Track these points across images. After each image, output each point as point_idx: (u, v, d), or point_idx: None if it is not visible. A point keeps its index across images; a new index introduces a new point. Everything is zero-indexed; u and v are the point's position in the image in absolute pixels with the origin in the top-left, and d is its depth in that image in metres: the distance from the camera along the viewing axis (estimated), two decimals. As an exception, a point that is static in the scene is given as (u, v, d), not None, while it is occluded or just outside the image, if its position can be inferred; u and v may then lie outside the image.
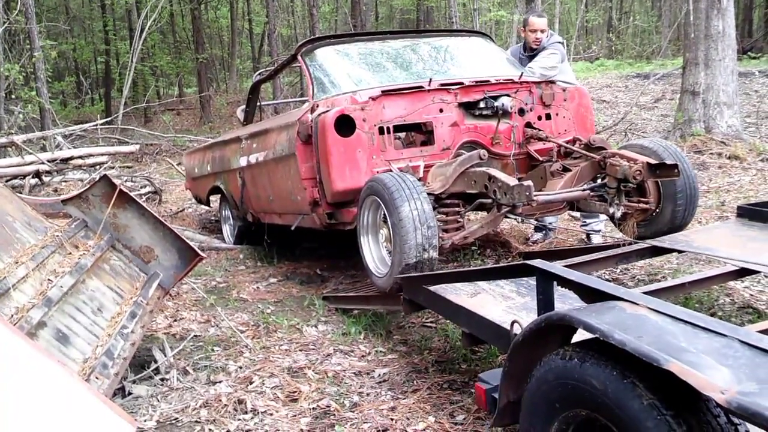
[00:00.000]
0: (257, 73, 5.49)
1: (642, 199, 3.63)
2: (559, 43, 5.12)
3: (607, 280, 4.26)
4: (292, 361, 3.53)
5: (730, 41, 7.93)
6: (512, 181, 3.21)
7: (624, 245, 3.60)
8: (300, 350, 3.69)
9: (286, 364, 3.50)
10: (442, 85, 3.94)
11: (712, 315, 3.62)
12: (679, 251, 3.52)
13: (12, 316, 2.46)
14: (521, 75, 4.20)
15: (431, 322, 4.00)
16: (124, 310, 3.15)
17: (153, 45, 19.76)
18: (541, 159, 3.97)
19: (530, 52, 5.12)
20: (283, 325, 4.08)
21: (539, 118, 4.12)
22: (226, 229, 6.13)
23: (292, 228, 4.44)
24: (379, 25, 24.41)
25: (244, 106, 5.53)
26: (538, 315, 2.10)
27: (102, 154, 8.56)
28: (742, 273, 3.12)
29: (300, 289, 4.91)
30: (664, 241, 3.49)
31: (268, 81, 5.48)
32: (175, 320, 4.29)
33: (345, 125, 3.70)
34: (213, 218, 7.68)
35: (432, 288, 2.94)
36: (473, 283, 3.07)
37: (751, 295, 3.92)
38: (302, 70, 4.36)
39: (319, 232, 4.78)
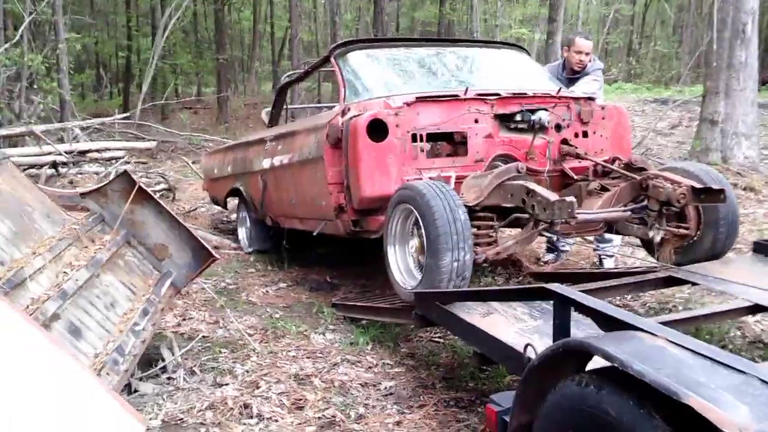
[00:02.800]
0: (286, 74, 5.46)
1: (682, 224, 3.49)
2: (601, 69, 5.10)
3: (618, 306, 4.24)
4: (299, 368, 3.53)
5: (752, 72, 7.91)
6: (553, 196, 3.13)
7: (641, 272, 3.58)
8: (307, 357, 3.69)
9: (293, 370, 3.50)
10: (479, 95, 3.86)
11: (723, 348, 3.59)
12: (694, 283, 3.49)
13: (27, 306, 2.48)
14: (560, 89, 4.15)
15: (439, 336, 3.98)
16: (136, 306, 3.17)
17: (174, 43, 19.92)
18: (575, 177, 3.89)
19: (571, 74, 5.07)
20: (291, 331, 4.08)
21: (576, 135, 4.03)
22: (243, 233, 6.11)
23: (315, 234, 4.38)
24: (401, 35, 24.50)
25: (269, 108, 5.52)
26: (554, 340, 2.09)
27: (119, 149, 8.61)
28: (756, 309, 3.09)
29: (309, 295, 4.91)
30: (678, 272, 3.47)
31: (298, 83, 5.44)
32: (184, 319, 4.30)
33: (377, 130, 3.61)
34: (225, 219, 7.70)
35: (446, 306, 2.93)
36: (486, 303, 3.05)
37: (762, 330, 3.88)
38: (335, 72, 4.28)
39: (331, 239, 4.77)
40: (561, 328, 2.10)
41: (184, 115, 17.88)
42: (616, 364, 1.58)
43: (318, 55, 22.74)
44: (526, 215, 3.34)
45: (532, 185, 3.27)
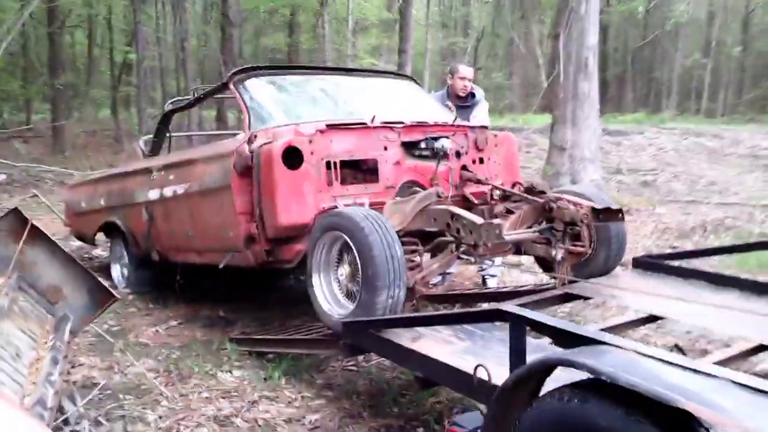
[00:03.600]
0: (170, 101, 5.15)
1: (578, 243, 3.68)
2: (483, 95, 5.42)
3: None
4: (217, 409, 3.38)
5: (594, 102, 8.74)
6: (479, 219, 3.26)
7: (539, 290, 3.81)
8: (222, 397, 3.54)
9: (211, 412, 3.34)
10: (386, 123, 3.92)
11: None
12: (588, 298, 3.77)
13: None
14: (455, 119, 4.35)
15: (353, 365, 3.99)
16: (42, 355, 2.89)
17: (1, 68, 18.31)
18: (476, 201, 4.04)
19: (456, 100, 5.32)
20: (196, 371, 3.89)
21: (473, 161, 4.21)
22: (117, 270, 5.70)
23: (220, 266, 4.16)
24: (248, 63, 24.15)
25: (146, 137, 5.21)
26: (511, 359, 2.19)
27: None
28: (650, 319, 3.41)
29: (204, 332, 4.69)
30: (574, 288, 3.73)
31: (185, 110, 5.17)
32: (73, 366, 3.95)
33: (292, 157, 3.54)
34: (87, 256, 7.18)
35: (381, 333, 2.95)
36: (413, 329, 3.10)
37: (642, 337, 4.28)
38: (236, 99, 4.14)
39: (218, 272, 4.62)
40: (517, 347, 2.20)
41: (18, 145, 16.47)
42: (603, 378, 1.69)
43: (163, 81, 21.92)
44: (449, 239, 3.44)
45: (457, 209, 3.40)
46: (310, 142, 3.61)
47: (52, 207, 7.34)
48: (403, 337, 3.02)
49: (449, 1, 30.14)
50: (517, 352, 2.19)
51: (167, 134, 5.08)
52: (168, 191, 4.51)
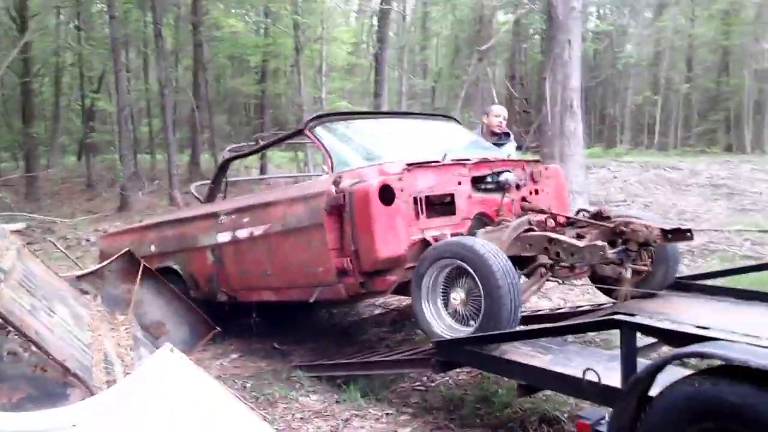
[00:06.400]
0: (229, 149, 5.43)
1: (640, 262, 4.03)
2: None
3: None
4: (316, 428, 3.71)
5: (579, 140, 9.36)
6: (580, 242, 3.66)
7: (591, 311, 4.24)
8: (316, 418, 3.86)
9: (312, 431, 3.67)
10: (456, 160, 4.31)
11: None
12: (633, 315, 4.20)
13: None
14: (509, 155, 4.79)
15: (419, 385, 4.34)
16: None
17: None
18: (537, 230, 4.20)
19: (490, 137, 5.81)
20: (278, 397, 4.19)
21: (530, 192, 4.59)
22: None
23: (311, 300, 4.41)
24: (213, 105, 24.48)
25: (200, 183, 5.43)
26: (624, 362, 2.61)
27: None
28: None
29: (267, 362, 4.97)
30: (622, 308, 4.09)
31: (246, 157, 5.43)
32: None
33: (385, 195, 3.87)
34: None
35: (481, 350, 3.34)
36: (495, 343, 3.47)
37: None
38: (315, 143, 4.51)
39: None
40: (629, 351, 2.63)
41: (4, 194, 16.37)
42: (737, 363, 2.12)
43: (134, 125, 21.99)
44: (550, 262, 3.81)
45: (555, 235, 3.79)
46: (400, 180, 3.97)
47: (68, 255, 7.56)
48: (494, 353, 3.42)
49: (409, 45, 31.17)
50: (628, 355, 2.62)
51: (225, 180, 5.35)
52: (242, 233, 4.71)
